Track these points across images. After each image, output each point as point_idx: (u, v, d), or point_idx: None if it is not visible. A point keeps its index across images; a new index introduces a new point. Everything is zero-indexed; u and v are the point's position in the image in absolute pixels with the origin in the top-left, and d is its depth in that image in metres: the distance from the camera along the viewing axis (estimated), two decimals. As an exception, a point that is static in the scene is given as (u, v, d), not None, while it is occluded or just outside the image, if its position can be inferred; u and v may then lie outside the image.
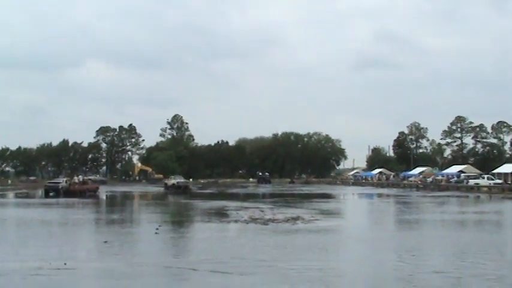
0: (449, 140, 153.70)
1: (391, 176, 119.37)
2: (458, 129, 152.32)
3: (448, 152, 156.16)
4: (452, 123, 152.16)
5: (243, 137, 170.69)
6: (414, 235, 26.25)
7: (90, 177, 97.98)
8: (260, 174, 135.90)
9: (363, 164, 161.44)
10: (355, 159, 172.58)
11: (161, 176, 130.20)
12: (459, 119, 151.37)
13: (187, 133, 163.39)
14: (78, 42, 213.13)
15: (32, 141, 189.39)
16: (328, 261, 18.23)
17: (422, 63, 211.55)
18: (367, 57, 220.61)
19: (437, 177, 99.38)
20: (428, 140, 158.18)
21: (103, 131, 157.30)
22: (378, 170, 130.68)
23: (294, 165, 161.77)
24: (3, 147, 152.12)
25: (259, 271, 16.22)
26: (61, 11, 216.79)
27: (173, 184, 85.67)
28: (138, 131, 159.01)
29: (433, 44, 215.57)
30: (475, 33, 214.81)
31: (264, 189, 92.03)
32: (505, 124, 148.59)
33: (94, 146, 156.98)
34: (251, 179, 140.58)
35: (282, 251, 20.24)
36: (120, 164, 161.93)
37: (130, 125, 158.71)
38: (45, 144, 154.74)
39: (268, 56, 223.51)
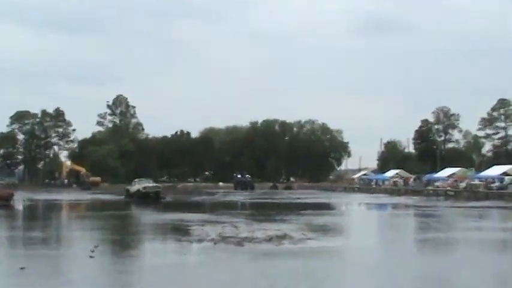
0: (489, 131, 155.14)
1: (411, 180, 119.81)
2: (502, 117, 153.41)
3: (487, 148, 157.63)
4: (493, 109, 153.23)
5: (210, 127, 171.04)
6: (438, 261, 26.52)
7: None
8: (239, 176, 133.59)
9: (373, 164, 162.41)
10: (362, 156, 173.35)
11: (98, 179, 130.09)
12: (503, 103, 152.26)
13: (134, 120, 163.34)
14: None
15: None
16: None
17: (450, 24, 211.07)
18: (373, 17, 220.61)
19: (473, 182, 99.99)
20: (461, 131, 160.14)
21: (19, 117, 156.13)
22: (393, 172, 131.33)
23: (280, 164, 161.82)
24: None
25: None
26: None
27: (138, 190, 79.17)
28: (67, 118, 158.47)
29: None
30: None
31: (237, 197, 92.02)
32: None
33: (7, 138, 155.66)
34: (221, 183, 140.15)
35: (261, 283, 20.37)
36: (42, 162, 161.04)
37: (57, 109, 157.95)
38: None
39: (241, 17, 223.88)
